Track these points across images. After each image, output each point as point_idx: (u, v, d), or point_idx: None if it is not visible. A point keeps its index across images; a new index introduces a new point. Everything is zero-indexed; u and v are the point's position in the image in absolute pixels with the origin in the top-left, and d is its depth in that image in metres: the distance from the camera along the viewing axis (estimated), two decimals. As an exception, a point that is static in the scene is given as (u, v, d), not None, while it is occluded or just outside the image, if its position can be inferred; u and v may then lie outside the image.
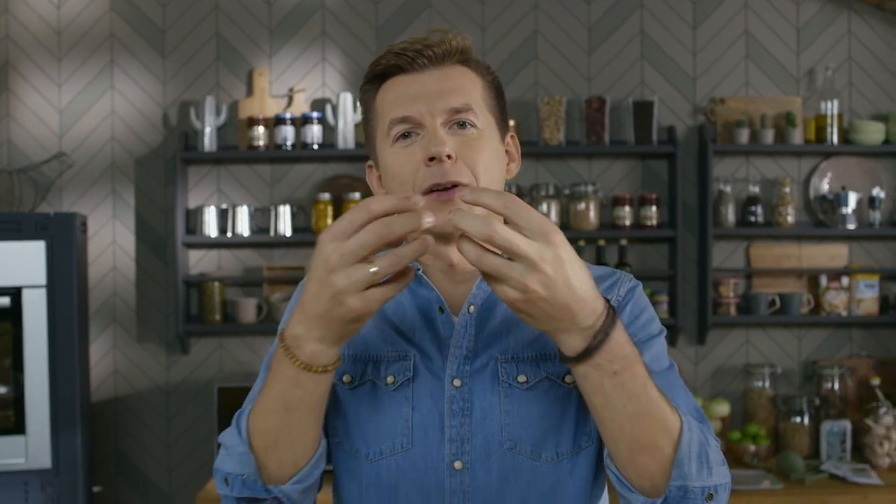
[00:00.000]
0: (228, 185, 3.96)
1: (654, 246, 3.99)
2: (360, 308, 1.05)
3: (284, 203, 3.88)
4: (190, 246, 3.92)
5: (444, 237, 1.30)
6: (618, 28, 3.99)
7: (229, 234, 3.84)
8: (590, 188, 3.84)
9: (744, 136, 3.86)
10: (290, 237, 3.82)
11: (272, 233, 3.84)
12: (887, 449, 3.63)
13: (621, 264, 3.83)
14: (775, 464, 3.61)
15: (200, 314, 3.86)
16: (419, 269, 1.36)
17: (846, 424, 3.69)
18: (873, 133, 3.86)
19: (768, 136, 3.86)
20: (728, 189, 3.88)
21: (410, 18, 3.97)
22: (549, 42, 3.98)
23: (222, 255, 3.97)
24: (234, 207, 3.84)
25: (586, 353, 1.09)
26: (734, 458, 3.66)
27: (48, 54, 3.95)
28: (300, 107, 3.92)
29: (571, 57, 3.98)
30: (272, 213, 3.84)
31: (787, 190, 3.86)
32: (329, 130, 3.91)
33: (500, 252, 1.05)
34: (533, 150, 3.84)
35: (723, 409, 3.80)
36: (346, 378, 1.34)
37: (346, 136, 3.83)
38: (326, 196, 3.81)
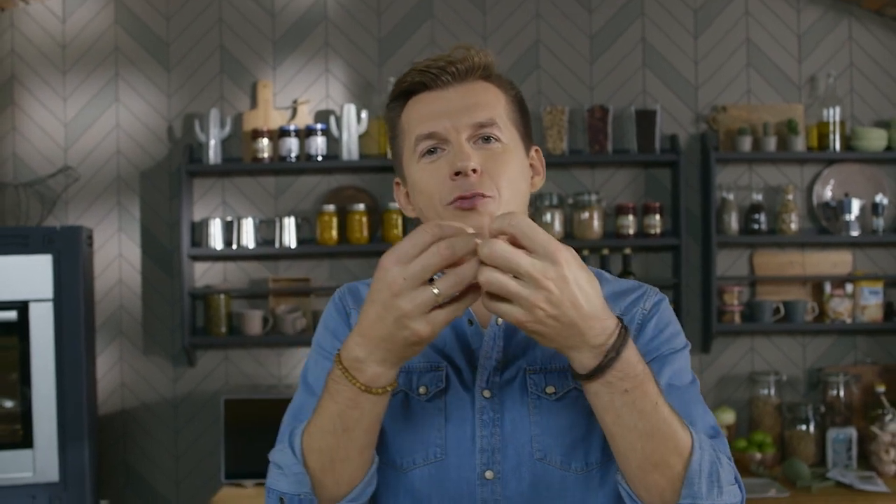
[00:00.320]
0: (233, 198, 3.97)
1: (658, 254, 4.00)
2: (426, 331, 1.07)
3: (289, 215, 3.90)
4: (195, 258, 3.93)
5: None
6: (619, 37, 4.00)
7: (234, 247, 3.85)
8: (593, 197, 3.85)
9: (746, 143, 3.87)
10: (294, 249, 3.83)
11: (277, 245, 3.85)
12: (893, 456, 3.63)
13: (625, 273, 3.84)
14: (781, 472, 3.61)
15: (206, 326, 3.87)
16: None
17: (852, 432, 3.70)
18: (876, 139, 3.87)
19: (771, 144, 3.86)
20: (731, 197, 3.89)
21: (413, 29, 3.99)
22: (552, 51, 3.99)
23: (228, 267, 3.98)
24: (238, 219, 3.85)
25: (597, 371, 1.10)
26: (740, 466, 3.66)
27: (53, 68, 3.97)
28: (304, 118, 3.94)
29: (574, 66, 4.00)
30: (277, 225, 3.86)
31: (790, 197, 3.87)
32: (333, 142, 3.92)
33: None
34: (536, 159, 3.84)
35: (728, 417, 3.81)
36: None
37: (350, 147, 3.85)
38: (331, 207, 3.82)
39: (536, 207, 3.86)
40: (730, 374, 3.99)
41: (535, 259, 1.04)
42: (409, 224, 3.87)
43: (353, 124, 3.85)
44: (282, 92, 3.98)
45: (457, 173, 1.27)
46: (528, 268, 1.03)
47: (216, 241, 3.84)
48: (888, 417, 3.67)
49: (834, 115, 3.88)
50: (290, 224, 3.84)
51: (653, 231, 3.86)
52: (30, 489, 3.36)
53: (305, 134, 3.87)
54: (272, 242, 3.90)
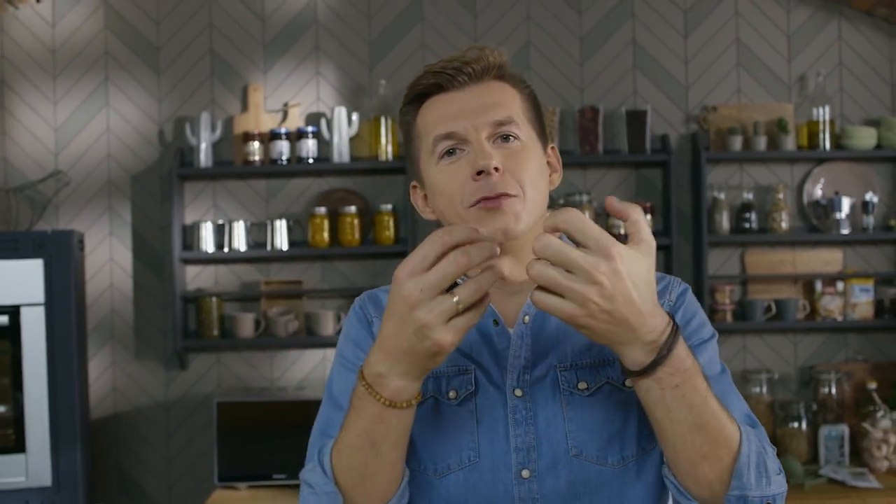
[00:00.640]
0: (224, 201, 3.97)
1: (650, 254, 4.00)
2: (448, 339, 1.06)
3: (280, 217, 3.90)
4: (187, 262, 3.93)
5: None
6: (610, 38, 4.01)
7: (226, 250, 3.85)
8: (584, 198, 3.85)
9: (737, 143, 3.88)
10: (286, 251, 3.83)
11: (269, 247, 3.85)
12: (885, 452, 3.64)
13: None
14: (774, 469, 3.61)
15: (198, 330, 3.87)
16: None
17: (844, 429, 3.71)
18: (865, 138, 3.88)
19: (761, 143, 3.88)
20: (722, 196, 3.90)
21: (403, 33, 3.99)
22: (542, 53, 4.00)
23: (219, 270, 3.98)
24: (230, 223, 3.85)
25: (650, 368, 1.10)
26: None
27: (43, 73, 3.96)
28: (295, 121, 3.94)
29: (564, 67, 4.01)
30: (268, 228, 3.86)
31: (781, 196, 3.88)
32: (324, 145, 3.92)
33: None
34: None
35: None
36: None
37: (341, 149, 3.85)
38: (322, 210, 3.82)
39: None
40: (722, 373, 3.99)
41: (588, 253, 1.03)
42: (401, 226, 3.88)
43: (343, 127, 3.86)
44: (272, 95, 3.98)
45: (479, 172, 1.27)
46: (581, 261, 1.03)
47: (207, 244, 3.84)
48: (880, 414, 3.68)
49: (824, 114, 3.89)
50: (281, 227, 3.84)
51: (644, 231, 3.86)
52: (23, 494, 3.35)
53: (296, 137, 3.87)
54: (264, 245, 3.90)
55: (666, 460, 1.22)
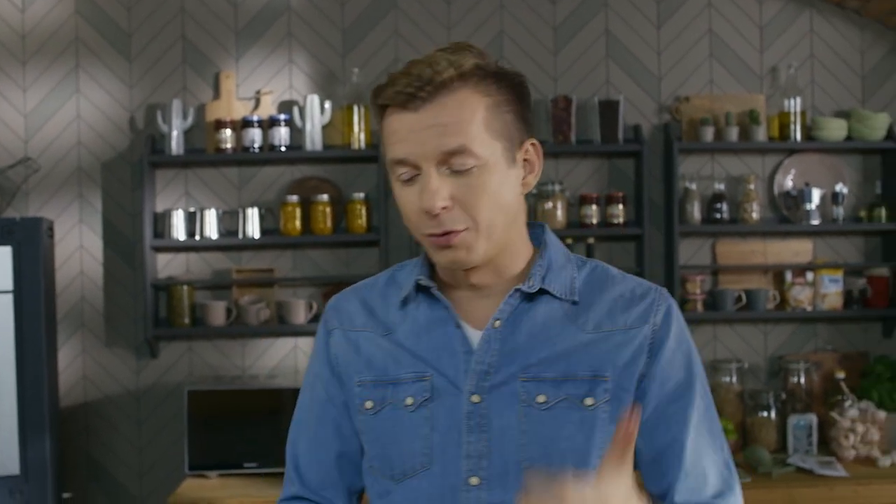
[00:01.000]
0: (196, 189, 3.95)
1: (621, 244, 4.02)
2: None
3: (252, 206, 3.88)
4: (158, 250, 3.90)
5: (450, 270, 1.35)
6: (583, 28, 4.02)
7: (197, 238, 3.84)
8: (557, 187, 3.86)
9: (709, 134, 3.89)
10: (258, 239, 3.82)
11: (240, 235, 3.84)
12: (852, 441, 3.67)
13: (589, 262, 3.85)
14: (743, 458, 3.65)
15: (169, 318, 3.85)
16: (433, 287, 1.36)
17: (812, 418, 3.74)
18: (836, 130, 3.90)
19: (733, 134, 3.89)
20: (694, 187, 3.92)
21: (377, 20, 3.98)
22: (515, 42, 4.00)
23: (190, 258, 3.96)
24: (201, 210, 3.84)
25: None
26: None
27: (12, 58, 3.92)
28: (267, 109, 3.92)
29: (537, 57, 4.01)
30: (240, 216, 3.84)
31: (752, 187, 3.90)
32: (296, 132, 3.90)
33: None
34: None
35: (691, 404, 3.83)
36: (367, 404, 1.36)
37: (314, 138, 3.84)
38: (294, 198, 3.81)
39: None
40: (693, 362, 4.01)
41: None
42: (374, 214, 3.87)
43: (316, 115, 3.84)
44: (245, 83, 3.96)
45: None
46: None
47: (179, 232, 3.82)
48: (847, 404, 3.71)
49: (795, 105, 3.91)
50: (253, 215, 3.83)
51: (616, 221, 3.88)
52: (-10, 482, 3.33)
53: (269, 124, 3.86)
54: (235, 233, 3.89)
55: None
